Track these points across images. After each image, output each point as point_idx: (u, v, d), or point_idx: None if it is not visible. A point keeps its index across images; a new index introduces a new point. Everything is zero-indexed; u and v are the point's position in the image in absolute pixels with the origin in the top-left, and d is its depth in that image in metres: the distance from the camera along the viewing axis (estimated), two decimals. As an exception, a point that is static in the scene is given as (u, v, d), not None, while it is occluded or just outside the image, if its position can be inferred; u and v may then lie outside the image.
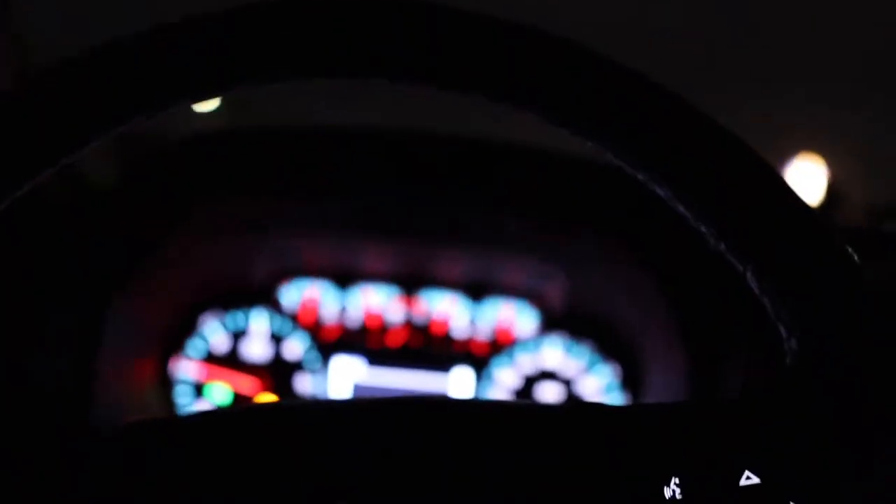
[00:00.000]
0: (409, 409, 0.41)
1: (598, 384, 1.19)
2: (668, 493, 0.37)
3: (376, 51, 0.40)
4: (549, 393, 1.19)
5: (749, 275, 0.41)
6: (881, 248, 1.16)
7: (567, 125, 0.41)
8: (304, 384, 1.20)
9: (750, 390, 0.42)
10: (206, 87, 0.40)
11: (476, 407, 0.43)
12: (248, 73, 0.40)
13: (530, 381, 1.20)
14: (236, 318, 1.20)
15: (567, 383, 1.20)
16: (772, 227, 0.40)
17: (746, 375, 0.94)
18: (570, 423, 0.40)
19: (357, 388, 1.21)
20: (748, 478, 0.38)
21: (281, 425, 0.40)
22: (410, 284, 1.25)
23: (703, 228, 0.42)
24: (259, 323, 1.20)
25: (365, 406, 0.42)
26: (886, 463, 0.39)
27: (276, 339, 1.20)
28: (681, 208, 0.42)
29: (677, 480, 0.38)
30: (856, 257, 0.40)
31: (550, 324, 1.23)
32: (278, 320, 1.20)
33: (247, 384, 1.18)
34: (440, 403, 0.42)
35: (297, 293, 1.25)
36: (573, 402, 1.12)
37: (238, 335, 1.20)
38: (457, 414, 0.41)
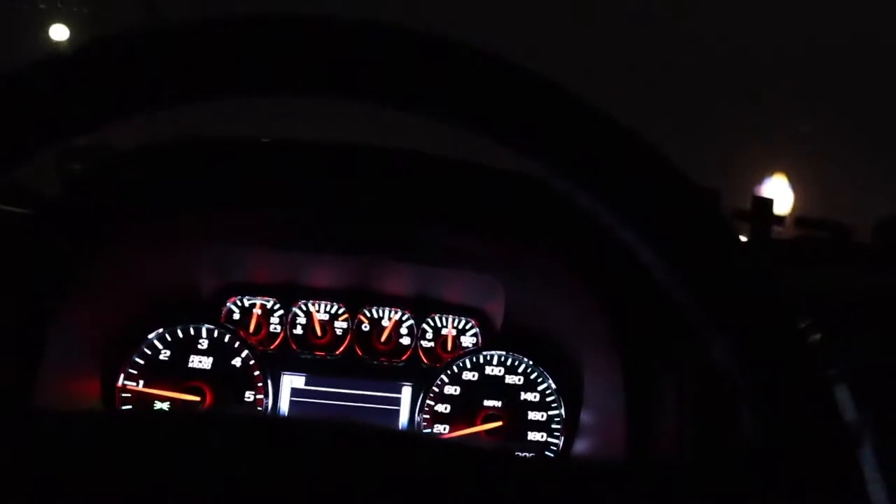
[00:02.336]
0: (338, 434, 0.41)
1: (538, 396, 1.22)
2: None
3: (299, 68, 0.41)
4: (490, 404, 1.21)
5: (718, 348, 0.43)
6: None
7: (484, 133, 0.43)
8: (248, 396, 1.20)
9: (702, 460, 0.44)
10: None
11: (400, 441, 0.43)
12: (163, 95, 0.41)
13: (471, 393, 1.22)
14: (181, 331, 1.20)
15: (508, 395, 1.22)
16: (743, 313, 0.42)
17: (681, 390, 0.96)
18: (504, 470, 0.41)
19: (298, 399, 1.22)
20: None
21: (185, 433, 0.41)
22: (355, 299, 1.27)
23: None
24: (204, 336, 1.20)
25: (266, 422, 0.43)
26: None
27: (221, 351, 1.21)
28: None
29: None
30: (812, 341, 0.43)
31: (491, 337, 1.26)
32: (223, 334, 1.21)
33: (190, 397, 1.18)
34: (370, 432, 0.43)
35: (242, 307, 1.25)
36: (512, 452, 1.14)
37: (183, 348, 1.20)
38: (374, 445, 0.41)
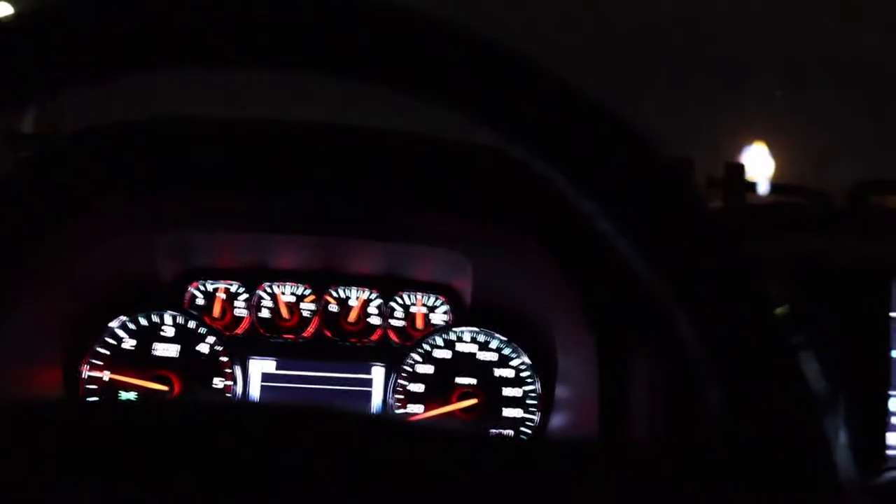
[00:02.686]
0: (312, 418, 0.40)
1: (513, 372, 1.20)
2: None
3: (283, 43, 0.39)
4: (464, 382, 1.19)
5: (681, 318, 0.42)
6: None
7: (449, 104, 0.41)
8: (216, 382, 1.18)
9: (671, 438, 0.43)
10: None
11: (365, 423, 0.42)
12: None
13: (444, 372, 1.20)
14: (144, 318, 1.17)
15: (482, 372, 1.20)
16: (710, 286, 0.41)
17: (652, 362, 0.95)
18: (480, 450, 0.40)
19: (268, 384, 1.20)
20: None
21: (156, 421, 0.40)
22: (321, 280, 1.24)
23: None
24: (168, 323, 1.18)
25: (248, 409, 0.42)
26: None
27: (186, 338, 1.18)
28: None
29: None
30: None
31: (462, 314, 1.24)
32: (187, 320, 1.18)
33: (157, 385, 1.16)
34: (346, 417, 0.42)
35: (205, 292, 1.23)
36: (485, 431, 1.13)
37: (147, 336, 1.17)
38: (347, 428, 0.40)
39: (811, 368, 0.42)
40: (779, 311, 0.43)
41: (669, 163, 0.44)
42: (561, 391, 1.16)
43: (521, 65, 0.41)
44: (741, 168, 1.55)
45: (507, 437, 1.15)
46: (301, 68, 0.41)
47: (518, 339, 1.21)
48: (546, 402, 1.19)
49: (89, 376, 1.15)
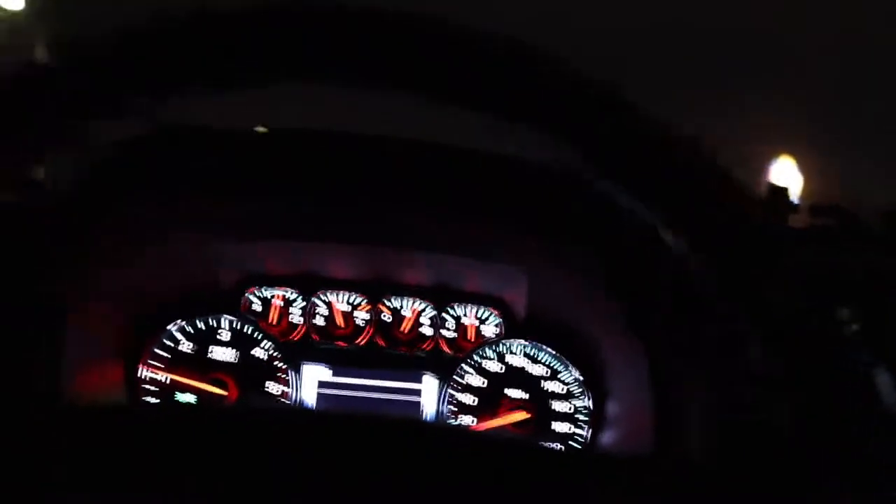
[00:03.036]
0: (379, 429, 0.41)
1: (563, 386, 1.21)
2: None
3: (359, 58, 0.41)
4: (514, 395, 1.20)
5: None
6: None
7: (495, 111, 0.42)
8: (271, 388, 1.20)
9: (728, 457, 0.43)
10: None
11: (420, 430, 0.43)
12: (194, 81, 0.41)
13: (495, 384, 1.21)
14: (202, 322, 1.19)
15: (532, 386, 1.21)
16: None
17: (707, 383, 0.96)
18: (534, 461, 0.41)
19: (322, 391, 1.21)
20: None
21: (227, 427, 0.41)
22: (376, 290, 1.26)
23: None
24: (225, 327, 1.20)
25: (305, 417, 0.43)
26: None
27: (242, 343, 1.20)
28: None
29: None
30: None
31: (513, 327, 1.25)
32: (244, 325, 1.20)
33: (213, 388, 1.18)
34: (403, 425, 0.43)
35: (262, 298, 1.25)
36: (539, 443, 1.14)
37: (204, 339, 1.19)
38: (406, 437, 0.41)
39: (885, 385, 0.43)
40: (850, 328, 0.43)
41: (753, 194, 0.44)
42: (612, 407, 1.16)
43: (624, 106, 0.42)
44: (785, 190, 1.55)
45: (566, 450, 1.16)
46: (416, 93, 0.42)
47: (569, 353, 1.21)
48: (596, 418, 1.20)
49: (148, 377, 1.17)
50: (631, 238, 1.00)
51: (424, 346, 1.25)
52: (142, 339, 1.17)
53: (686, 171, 0.41)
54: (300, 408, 1.17)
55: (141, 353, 1.17)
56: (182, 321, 1.19)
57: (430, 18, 0.40)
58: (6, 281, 0.94)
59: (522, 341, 1.22)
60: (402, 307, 1.26)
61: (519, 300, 1.23)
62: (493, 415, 1.20)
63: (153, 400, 1.17)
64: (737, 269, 0.42)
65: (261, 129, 1.02)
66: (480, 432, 1.18)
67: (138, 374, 1.17)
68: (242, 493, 0.39)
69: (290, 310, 1.25)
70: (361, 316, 1.25)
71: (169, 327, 1.18)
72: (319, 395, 1.21)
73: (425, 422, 1.16)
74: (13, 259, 0.96)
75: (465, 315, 1.26)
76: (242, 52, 0.40)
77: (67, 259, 0.98)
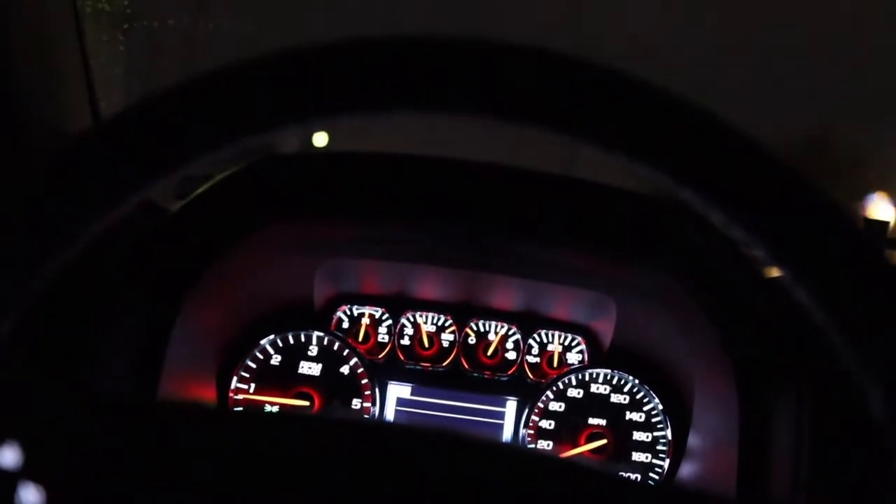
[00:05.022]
0: (460, 447, 0.42)
1: (644, 416, 1.21)
2: None
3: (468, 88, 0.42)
4: (595, 422, 1.21)
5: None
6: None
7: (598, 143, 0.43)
8: (355, 404, 1.22)
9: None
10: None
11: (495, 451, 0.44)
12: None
13: (576, 411, 1.22)
14: (293, 337, 1.23)
15: (613, 414, 1.21)
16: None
17: (798, 417, 0.94)
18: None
19: (403, 409, 1.23)
20: None
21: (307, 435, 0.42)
22: (463, 312, 1.28)
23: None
24: (314, 343, 1.23)
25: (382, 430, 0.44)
26: None
27: (329, 358, 1.23)
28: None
29: None
30: None
31: (597, 355, 1.25)
32: (332, 341, 1.23)
33: (300, 402, 1.21)
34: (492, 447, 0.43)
35: (351, 316, 1.28)
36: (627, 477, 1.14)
37: (293, 354, 1.23)
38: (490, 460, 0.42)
39: None
40: None
41: (861, 229, 0.44)
42: (694, 439, 1.16)
43: (733, 137, 0.43)
44: (885, 226, 1.51)
45: (638, 481, 1.16)
46: (522, 122, 0.43)
47: (652, 383, 1.21)
48: (677, 450, 1.19)
49: (237, 387, 1.20)
50: (734, 271, 0.99)
51: (509, 370, 1.26)
52: (235, 353, 1.21)
53: (803, 207, 0.42)
54: (393, 423, 1.19)
55: (233, 367, 1.21)
56: (274, 335, 1.22)
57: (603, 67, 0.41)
58: (122, 287, 0.99)
59: (606, 370, 1.22)
60: (487, 331, 1.27)
61: (606, 328, 1.23)
62: (573, 441, 1.20)
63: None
64: (849, 304, 0.42)
65: None
66: (564, 458, 1.18)
67: (229, 387, 1.20)
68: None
69: (379, 329, 1.28)
70: (447, 338, 1.27)
71: (262, 341, 1.22)
72: (399, 412, 1.23)
73: (518, 445, 1.16)
74: (131, 267, 1.01)
75: (550, 342, 1.27)
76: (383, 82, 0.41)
77: (185, 274, 1.01)
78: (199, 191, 1.03)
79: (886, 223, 1.56)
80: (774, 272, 1.01)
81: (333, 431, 0.43)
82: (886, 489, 0.85)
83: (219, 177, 1.03)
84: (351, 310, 1.28)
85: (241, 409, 1.20)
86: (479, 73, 0.41)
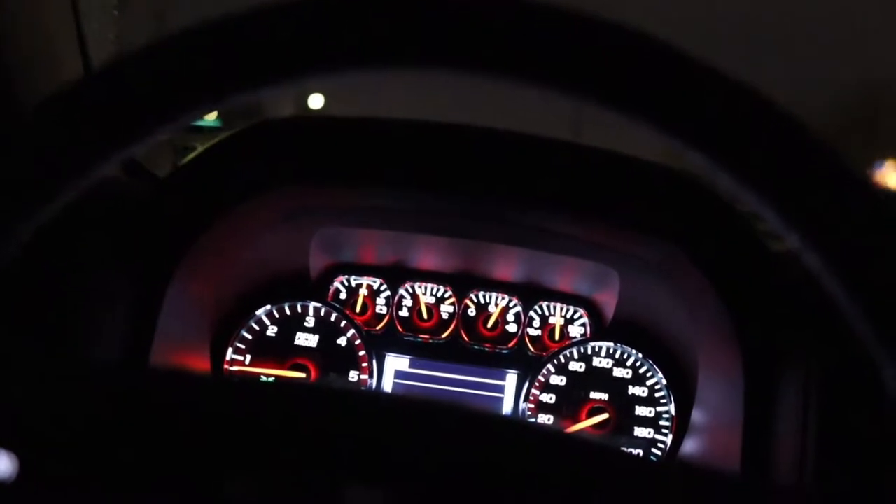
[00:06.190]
0: (455, 418, 0.41)
1: (647, 391, 1.18)
2: None
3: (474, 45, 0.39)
4: (596, 396, 1.18)
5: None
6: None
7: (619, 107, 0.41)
8: (352, 376, 1.20)
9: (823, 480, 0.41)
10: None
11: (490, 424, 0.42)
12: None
13: (577, 385, 1.19)
14: (289, 308, 1.20)
15: (616, 389, 1.19)
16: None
17: (805, 399, 0.92)
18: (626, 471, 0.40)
19: (401, 381, 1.21)
20: None
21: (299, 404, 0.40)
22: (462, 283, 1.25)
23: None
24: (310, 314, 1.21)
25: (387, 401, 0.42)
26: None
27: (326, 330, 1.20)
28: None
29: None
30: None
31: (600, 328, 1.23)
32: (329, 312, 1.20)
33: (296, 374, 1.19)
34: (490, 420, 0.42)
35: (349, 287, 1.25)
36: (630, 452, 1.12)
37: (289, 325, 1.20)
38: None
39: None
40: None
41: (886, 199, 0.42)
42: (698, 415, 1.13)
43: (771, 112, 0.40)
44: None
45: (648, 458, 1.14)
46: (564, 91, 0.41)
47: (655, 357, 1.19)
48: (680, 426, 1.17)
49: (232, 359, 1.18)
50: (741, 244, 0.97)
51: (509, 343, 1.23)
52: (229, 323, 1.19)
53: (823, 176, 0.39)
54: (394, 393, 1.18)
55: (228, 337, 1.19)
56: (270, 306, 1.20)
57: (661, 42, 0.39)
58: (109, 254, 0.97)
59: (609, 343, 1.20)
60: (488, 303, 1.25)
61: (609, 301, 1.20)
62: (574, 415, 1.18)
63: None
64: (865, 277, 0.40)
65: None
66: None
67: (224, 358, 1.18)
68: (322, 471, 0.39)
69: (377, 300, 1.25)
70: (447, 309, 1.25)
71: (257, 312, 1.19)
72: (396, 385, 1.21)
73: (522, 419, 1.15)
74: (121, 236, 0.98)
75: (551, 314, 1.24)
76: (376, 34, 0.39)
77: (177, 242, 0.99)
78: (191, 157, 1.00)
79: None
80: (783, 245, 0.99)
81: (330, 401, 0.41)
82: (894, 469, 0.83)
83: (211, 142, 1.01)
84: (348, 280, 1.25)
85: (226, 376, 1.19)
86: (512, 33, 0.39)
